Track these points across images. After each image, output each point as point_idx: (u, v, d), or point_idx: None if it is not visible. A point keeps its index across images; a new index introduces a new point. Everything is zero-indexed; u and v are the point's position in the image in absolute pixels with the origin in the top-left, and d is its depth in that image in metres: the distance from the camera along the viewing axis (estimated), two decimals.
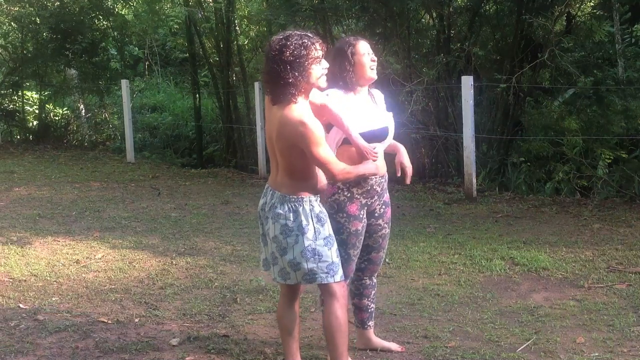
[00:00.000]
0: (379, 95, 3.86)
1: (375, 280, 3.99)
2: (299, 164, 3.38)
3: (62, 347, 4.16)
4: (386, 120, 3.76)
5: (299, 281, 3.45)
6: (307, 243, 3.36)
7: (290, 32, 3.35)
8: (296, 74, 3.27)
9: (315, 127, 3.27)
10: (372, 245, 3.82)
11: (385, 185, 3.81)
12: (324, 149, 3.32)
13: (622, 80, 8.94)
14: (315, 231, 3.38)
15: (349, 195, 3.63)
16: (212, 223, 7.45)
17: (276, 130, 3.34)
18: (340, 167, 3.39)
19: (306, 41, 3.29)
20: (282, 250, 3.40)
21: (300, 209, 3.37)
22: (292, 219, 3.36)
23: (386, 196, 3.82)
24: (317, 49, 3.33)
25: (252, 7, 13.19)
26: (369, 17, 10.12)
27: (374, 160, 3.55)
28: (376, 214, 3.77)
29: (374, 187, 3.70)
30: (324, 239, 3.40)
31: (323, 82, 3.41)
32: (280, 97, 3.31)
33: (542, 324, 4.46)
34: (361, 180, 3.61)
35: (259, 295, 5.07)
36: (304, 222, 3.36)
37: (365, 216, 3.70)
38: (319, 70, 3.35)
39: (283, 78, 3.26)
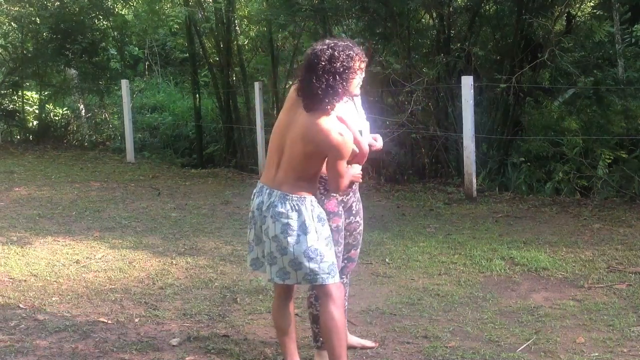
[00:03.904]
0: (358, 100, 3.86)
1: (349, 279, 4.03)
2: (313, 169, 3.38)
3: (62, 347, 4.16)
4: (361, 126, 3.75)
5: (298, 281, 3.43)
6: (310, 243, 3.34)
7: (332, 41, 3.35)
8: (344, 83, 3.29)
9: (351, 140, 3.33)
10: (351, 243, 3.85)
11: (357, 183, 3.85)
12: (345, 163, 3.37)
13: (622, 80, 8.94)
14: (316, 231, 3.37)
15: (325, 192, 3.62)
16: (212, 223, 7.45)
17: (305, 135, 3.29)
18: (347, 182, 3.44)
19: (352, 52, 3.32)
20: (283, 250, 3.37)
21: (303, 208, 3.36)
22: (295, 218, 3.34)
23: (358, 193, 3.86)
24: (361, 60, 3.37)
25: (252, 7, 13.19)
26: (369, 17, 10.12)
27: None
28: (353, 211, 3.80)
29: None
30: (325, 238, 3.40)
31: (358, 90, 3.46)
32: (319, 105, 3.27)
33: (542, 324, 4.46)
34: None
35: (259, 295, 5.07)
36: (307, 222, 3.35)
37: (343, 212, 3.71)
38: (359, 79, 3.40)
39: (332, 87, 3.26)
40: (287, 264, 3.38)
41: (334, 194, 3.64)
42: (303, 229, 3.34)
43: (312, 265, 3.35)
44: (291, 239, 3.34)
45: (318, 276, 3.37)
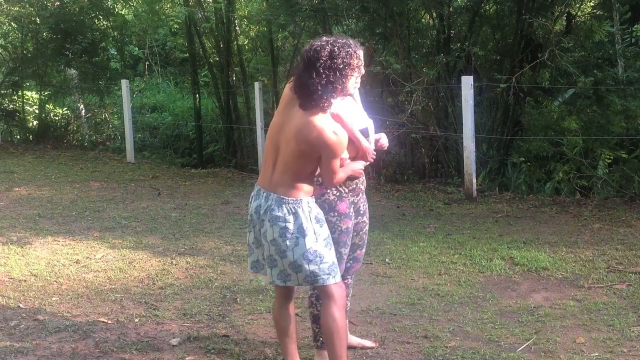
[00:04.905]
0: (357, 96, 3.85)
1: (353, 279, 4.03)
2: (308, 168, 3.36)
3: (62, 347, 4.16)
4: (366, 120, 3.75)
5: (300, 283, 3.42)
6: (308, 245, 3.33)
7: (330, 38, 3.33)
8: (343, 80, 3.28)
9: (345, 139, 3.31)
10: (357, 243, 3.84)
11: (365, 183, 3.85)
12: (339, 160, 3.35)
13: (622, 80, 8.94)
14: (315, 232, 3.36)
15: (338, 194, 3.62)
16: (212, 223, 7.45)
17: (298, 134, 3.27)
18: (340, 176, 3.42)
19: (350, 49, 3.30)
20: (282, 253, 3.36)
21: (300, 210, 3.34)
22: (292, 221, 3.33)
23: (364, 193, 3.87)
24: (359, 57, 3.36)
25: (252, 7, 13.20)
26: (369, 17, 10.13)
27: (372, 162, 3.60)
28: (361, 212, 3.80)
29: (359, 185, 3.73)
30: (324, 239, 3.39)
31: (353, 88, 3.44)
32: (317, 102, 3.24)
33: (542, 324, 4.46)
34: (348, 179, 3.62)
35: (259, 295, 5.07)
36: (305, 224, 3.33)
37: (353, 214, 3.71)
38: (356, 77, 3.39)
39: (332, 83, 3.24)
40: (287, 266, 3.37)
41: (345, 195, 3.64)
42: (301, 231, 3.33)
43: (312, 267, 3.35)
44: (289, 242, 3.33)
45: (319, 277, 3.37)
